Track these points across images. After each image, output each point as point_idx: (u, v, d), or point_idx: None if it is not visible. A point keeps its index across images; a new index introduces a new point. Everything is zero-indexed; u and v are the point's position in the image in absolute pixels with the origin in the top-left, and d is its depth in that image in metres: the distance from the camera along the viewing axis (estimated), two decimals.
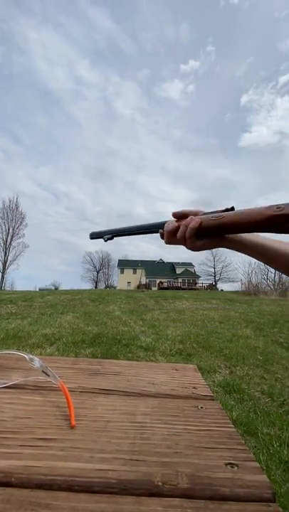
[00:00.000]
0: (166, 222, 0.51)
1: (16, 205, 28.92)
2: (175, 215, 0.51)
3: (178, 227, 0.48)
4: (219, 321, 4.64)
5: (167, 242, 0.51)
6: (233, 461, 0.23)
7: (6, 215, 28.41)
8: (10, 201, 28.93)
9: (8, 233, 28.25)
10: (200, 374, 0.44)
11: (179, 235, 0.48)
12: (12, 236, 28.38)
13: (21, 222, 29.02)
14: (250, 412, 1.81)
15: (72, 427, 0.27)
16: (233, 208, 0.44)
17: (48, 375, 0.34)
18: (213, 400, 0.35)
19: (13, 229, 28.52)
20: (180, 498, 0.19)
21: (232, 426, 0.29)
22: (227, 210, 0.44)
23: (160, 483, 0.20)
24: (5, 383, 0.35)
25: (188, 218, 0.46)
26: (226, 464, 0.22)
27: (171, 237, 0.50)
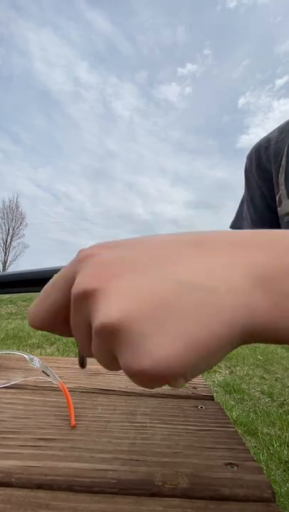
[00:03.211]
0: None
1: (16, 205, 28.94)
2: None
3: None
4: None
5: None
6: (233, 461, 0.23)
7: (6, 215, 28.44)
8: (10, 201, 28.94)
9: (8, 233, 28.28)
10: (200, 374, 0.44)
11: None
12: (12, 236, 28.41)
13: (21, 223, 29.05)
14: (250, 412, 1.81)
15: (72, 427, 0.27)
16: None
17: (48, 375, 0.34)
18: (213, 399, 0.35)
19: (13, 229, 28.54)
20: (180, 498, 0.19)
21: (232, 426, 0.29)
22: None
23: (160, 484, 0.20)
24: (5, 383, 0.35)
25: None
26: (226, 464, 0.22)
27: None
